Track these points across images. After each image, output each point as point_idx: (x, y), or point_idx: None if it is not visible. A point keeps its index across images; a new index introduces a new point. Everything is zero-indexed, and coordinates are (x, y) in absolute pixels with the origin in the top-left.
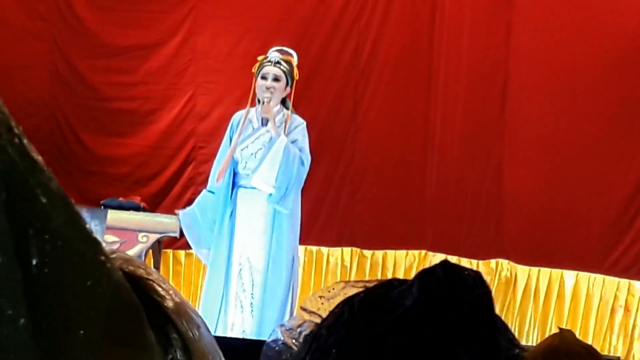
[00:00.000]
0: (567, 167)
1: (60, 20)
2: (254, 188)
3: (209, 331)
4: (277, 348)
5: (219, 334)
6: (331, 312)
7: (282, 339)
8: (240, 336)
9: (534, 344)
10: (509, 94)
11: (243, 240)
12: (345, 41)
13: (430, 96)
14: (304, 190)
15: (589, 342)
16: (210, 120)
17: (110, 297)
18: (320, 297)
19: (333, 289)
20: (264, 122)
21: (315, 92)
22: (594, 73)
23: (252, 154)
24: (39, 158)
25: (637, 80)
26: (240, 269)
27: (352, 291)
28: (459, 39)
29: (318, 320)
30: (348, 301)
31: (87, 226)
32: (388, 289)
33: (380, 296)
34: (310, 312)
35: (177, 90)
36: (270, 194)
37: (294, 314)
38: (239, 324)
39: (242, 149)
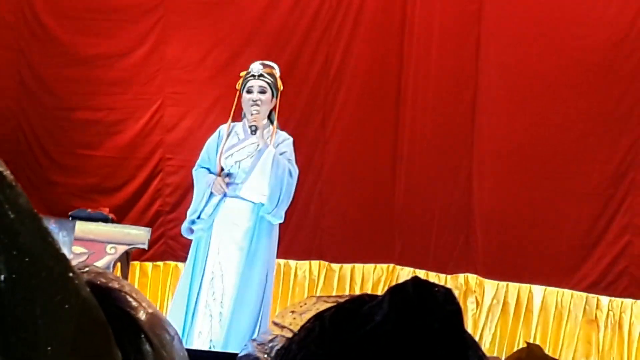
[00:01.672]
0: (536, 180)
1: (26, 29)
2: (236, 197)
3: (181, 343)
4: None
5: (185, 340)
6: (302, 327)
7: (254, 353)
8: (207, 345)
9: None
10: (478, 107)
11: (220, 248)
12: (315, 52)
13: (399, 108)
14: None
15: (558, 357)
16: (178, 131)
17: (79, 313)
18: (292, 311)
19: (305, 303)
20: (253, 131)
21: (284, 103)
22: (564, 86)
23: (236, 162)
24: (8, 173)
25: (608, 93)
26: (213, 277)
27: (324, 306)
28: (428, 51)
29: (290, 335)
30: (319, 316)
31: (56, 242)
32: (359, 304)
33: (350, 311)
34: (282, 327)
35: (145, 100)
36: (261, 204)
37: (266, 328)
38: (206, 332)
39: (225, 158)
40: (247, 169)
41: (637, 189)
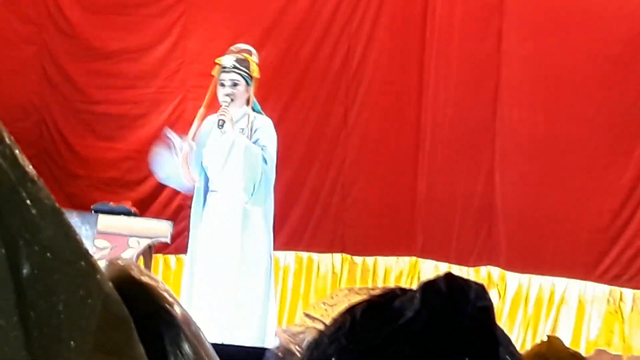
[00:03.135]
0: (558, 173)
1: (50, 23)
2: (221, 192)
3: (206, 338)
4: (280, 354)
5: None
6: (333, 320)
7: (285, 345)
8: (213, 337)
9: (524, 352)
10: (500, 100)
11: (213, 244)
12: (336, 46)
13: (421, 101)
14: (294, 196)
15: (580, 349)
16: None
17: (101, 308)
18: (324, 303)
19: (336, 295)
20: (220, 125)
21: (306, 96)
22: (585, 79)
23: (215, 157)
24: (31, 169)
25: (629, 85)
26: (210, 271)
27: (355, 298)
28: (449, 45)
29: (321, 327)
30: (350, 310)
31: (78, 237)
32: (390, 298)
33: (382, 306)
34: (314, 319)
35: (167, 94)
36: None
37: (272, 318)
38: (211, 324)
39: (208, 153)
40: (221, 163)
41: None
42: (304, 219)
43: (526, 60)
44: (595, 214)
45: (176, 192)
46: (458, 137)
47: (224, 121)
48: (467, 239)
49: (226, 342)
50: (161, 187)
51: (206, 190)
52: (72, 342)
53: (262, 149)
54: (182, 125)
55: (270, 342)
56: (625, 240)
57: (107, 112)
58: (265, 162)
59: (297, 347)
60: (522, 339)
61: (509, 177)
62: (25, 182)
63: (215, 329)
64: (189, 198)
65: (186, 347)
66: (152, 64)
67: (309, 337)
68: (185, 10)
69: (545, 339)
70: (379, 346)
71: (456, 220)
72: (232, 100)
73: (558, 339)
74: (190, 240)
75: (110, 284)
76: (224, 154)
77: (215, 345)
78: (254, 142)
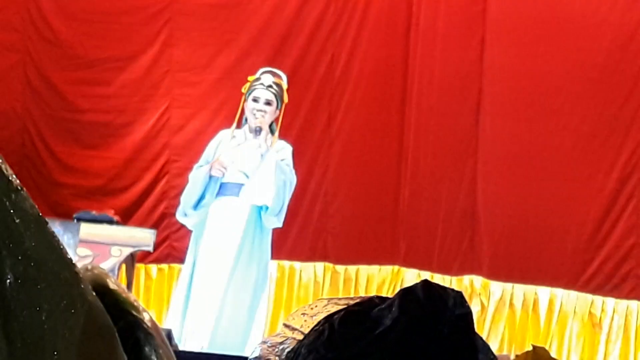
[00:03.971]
0: (541, 182)
1: (33, 31)
2: (233, 196)
3: (169, 347)
4: None
5: (183, 342)
6: (312, 330)
7: (265, 355)
8: (204, 346)
9: None
10: (483, 109)
11: (215, 249)
12: (321, 53)
13: (404, 110)
14: None
15: (563, 359)
16: (185, 133)
17: (84, 317)
18: (303, 313)
19: (316, 306)
20: (258, 131)
21: (290, 104)
22: (568, 88)
23: (238, 164)
24: (14, 178)
25: (612, 95)
26: (208, 278)
27: (335, 308)
28: (433, 53)
29: (301, 337)
30: (328, 319)
31: (62, 247)
32: (369, 307)
33: (360, 314)
34: (293, 329)
35: (152, 102)
36: (263, 207)
37: (263, 329)
38: (203, 333)
39: (232, 159)
40: (247, 171)
41: None
42: (286, 227)
43: (509, 70)
44: (578, 223)
45: (160, 201)
46: (441, 146)
47: (261, 128)
48: (450, 248)
49: (211, 351)
50: (145, 195)
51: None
52: (55, 353)
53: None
54: (166, 133)
55: (250, 352)
56: (608, 249)
57: (91, 120)
58: (291, 183)
59: (277, 358)
60: (505, 349)
61: (492, 186)
62: (9, 192)
63: (206, 338)
64: (173, 206)
65: (160, 356)
66: (137, 73)
67: (288, 347)
68: (170, 18)
69: (530, 348)
70: (358, 355)
71: (439, 229)
72: (262, 117)
73: (543, 348)
74: (191, 248)
75: (94, 293)
76: (253, 162)
77: (196, 354)
78: (281, 160)
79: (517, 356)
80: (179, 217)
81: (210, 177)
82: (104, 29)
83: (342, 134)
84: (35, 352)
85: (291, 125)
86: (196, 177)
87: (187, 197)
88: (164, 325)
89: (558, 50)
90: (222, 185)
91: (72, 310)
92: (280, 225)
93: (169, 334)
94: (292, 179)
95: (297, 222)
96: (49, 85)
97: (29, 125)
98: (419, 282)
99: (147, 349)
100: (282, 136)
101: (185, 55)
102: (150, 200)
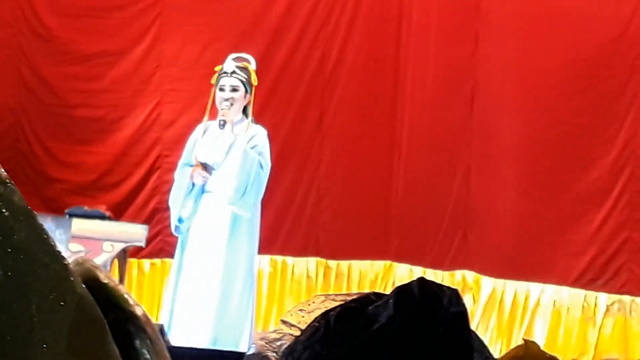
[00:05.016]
0: (533, 176)
1: (26, 27)
2: (213, 193)
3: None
4: None
5: (175, 337)
6: (308, 327)
7: (262, 352)
8: (195, 342)
9: (498, 357)
10: (477, 103)
11: (201, 245)
12: (312, 48)
13: (396, 105)
14: (268, 199)
15: (555, 354)
16: (175, 128)
17: (74, 310)
18: (301, 310)
19: (313, 302)
20: (221, 125)
21: (281, 99)
22: (562, 82)
23: (213, 158)
24: (2, 171)
25: (605, 88)
26: (195, 274)
27: (332, 305)
28: (425, 48)
29: (298, 333)
30: (324, 316)
31: (51, 240)
32: (364, 304)
33: (356, 311)
34: (291, 325)
35: (143, 97)
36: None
37: (252, 323)
38: (194, 329)
39: (201, 155)
40: (218, 163)
41: (635, 185)
42: (278, 222)
43: (502, 64)
44: (571, 217)
45: (152, 196)
46: (434, 141)
47: (225, 121)
48: (442, 243)
49: (207, 347)
50: (137, 190)
51: (199, 192)
52: (44, 345)
53: (259, 155)
54: (157, 128)
55: (245, 347)
56: (601, 243)
57: (83, 115)
58: (262, 167)
59: (274, 354)
60: (496, 344)
61: (485, 180)
62: None
63: (198, 333)
64: (165, 201)
65: (152, 350)
66: (128, 68)
67: (285, 343)
68: (161, 13)
69: (521, 342)
70: (353, 352)
71: (431, 223)
72: (231, 104)
73: (535, 343)
74: (179, 245)
75: (84, 285)
76: (222, 154)
77: (189, 350)
78: (252, 148)
79: (509, 351)
80: (174, 231)
81: (193, 184)
82: (96, 24)
83: (334, 129)
84: (24, 346)
85: (283, 120)
86: (179, 184)
87: (173, 203)
88: (157, 320)
89: (551, 43)
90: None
91: (62, 303)
92: (247, 213)
93: (161, 329)
94: (262, 164)
95: (290, 217)
96: (42, 81)
97: (22, 120)
98: (415, 280)
99: (137, 342)
100: (273, 132)
101: (175, 50)
102: (142, 196)
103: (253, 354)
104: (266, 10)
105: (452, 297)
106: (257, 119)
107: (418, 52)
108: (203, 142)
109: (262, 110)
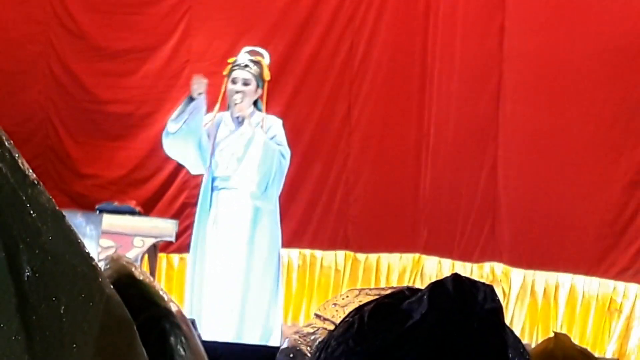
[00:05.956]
0: (562, 168)
1: (56, 23)
2: (236, 189)
3: (195, 335)
4: (291, 355)
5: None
6: (342, 322)
7: (296, 346)
8: (218, 336)
9: (530, 349)
10: (503, 95)
11: (225, 241)
12: (339, 42)
13: (424, 98)
14: (296, 193)
15: (586, 345)
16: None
17: (103, 311)
18: (335, 304)
19: (347, 296)
20: (240, 121)
21: (309, 93)
22: (589, 73)
23: (232, 154)
24: (31, 172)
25: (633, 80)
26: (217, 269)
27: (366, 299)
28: (452, 41)
29: (332, 328)
30: (358, 311)
31: (79, 240)
32: (399, 299)
33: (390, 307)
34: (324, 319)
35: (173, 93)
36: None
37: (279, 316)
38: (218, 323)
39: (221, 150)
40: (238, 159)
41: None
42: (307, 215)
43: (529, 56)
44: (600, 209)
45: (181, 191)
46: (461, 134)
47: (243, 117)
48: (471, 235)
49: (233, 341)
50: (166, 186)
51: (213, 188)
52: (74, 346)
53: (279, 145)
54: None
55: (275, 340)
56: (631, 234)
57: (113, 111)
58: (284, 157)
59: (308, 348)
60: (527, 336)
61: (513, 172)
62: (25, 186)
63: (223, 328)
64: (194, 196)
65: (187, 346)
66: (158, 63)
67: (319, 337)
68: (190, 8)
69: (552, 335)
70: (387, 348)
71: (460, 216)
72: (242, 98)
73: (565, 335)
74: (193, 239)
75: (112, 286)
76: (241, 149)
77: (222, 344)
78: (271, 139)
79: (539, 343)
80: (164, 139)
81: (192, 99)
82: (126, 20)
83: (362, 122)
84: (54, 346)
85: (311, 114)
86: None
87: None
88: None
89: (578, 34)
90: (219, 179)
91: (91, 303)
92: (270, 204)
93: (192, 323)
94: (283, 154)
95: (318, 210)
96: (72, 77)
97: (52, 116)
98: (449, 276)
99: (172, 339)
100: (301, 125)
101: (204, 46)
102: (171, 191)
103: (287, 347)
104: (294, 4)
105: (487, 293)
106: (285, 114)
107: (445, 45)
108: (220, 137)
109: (290, 103)
